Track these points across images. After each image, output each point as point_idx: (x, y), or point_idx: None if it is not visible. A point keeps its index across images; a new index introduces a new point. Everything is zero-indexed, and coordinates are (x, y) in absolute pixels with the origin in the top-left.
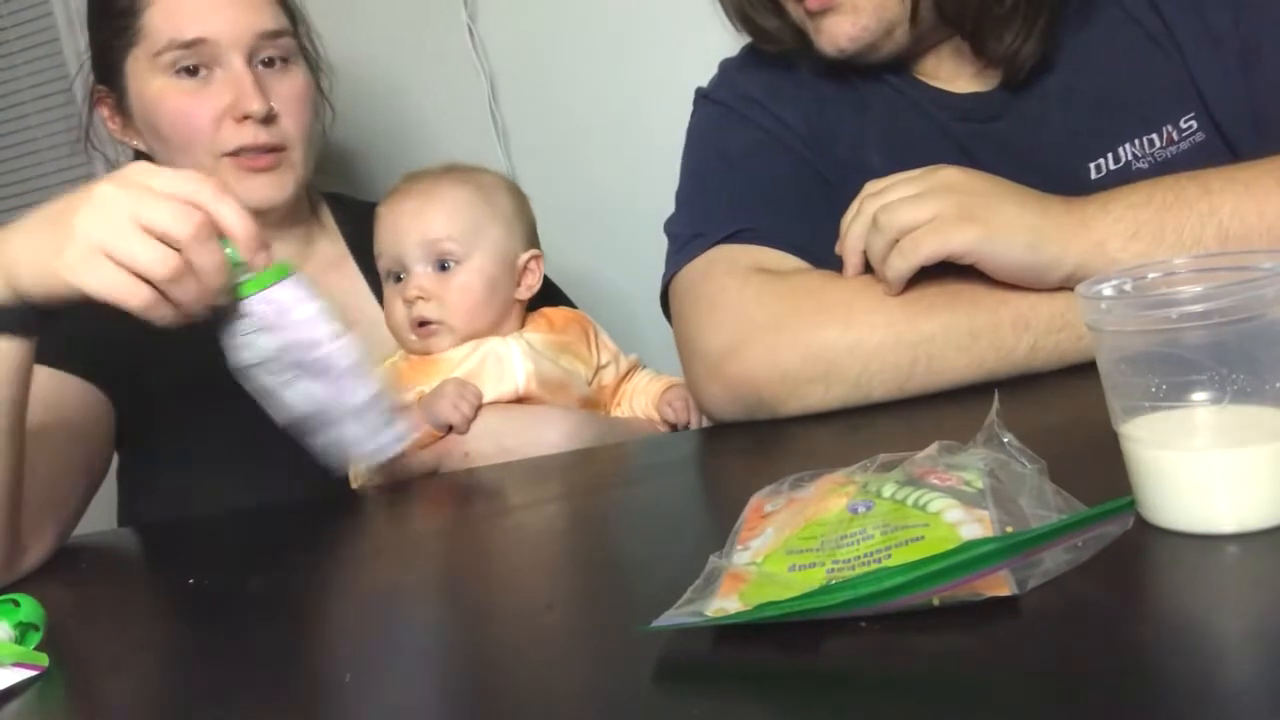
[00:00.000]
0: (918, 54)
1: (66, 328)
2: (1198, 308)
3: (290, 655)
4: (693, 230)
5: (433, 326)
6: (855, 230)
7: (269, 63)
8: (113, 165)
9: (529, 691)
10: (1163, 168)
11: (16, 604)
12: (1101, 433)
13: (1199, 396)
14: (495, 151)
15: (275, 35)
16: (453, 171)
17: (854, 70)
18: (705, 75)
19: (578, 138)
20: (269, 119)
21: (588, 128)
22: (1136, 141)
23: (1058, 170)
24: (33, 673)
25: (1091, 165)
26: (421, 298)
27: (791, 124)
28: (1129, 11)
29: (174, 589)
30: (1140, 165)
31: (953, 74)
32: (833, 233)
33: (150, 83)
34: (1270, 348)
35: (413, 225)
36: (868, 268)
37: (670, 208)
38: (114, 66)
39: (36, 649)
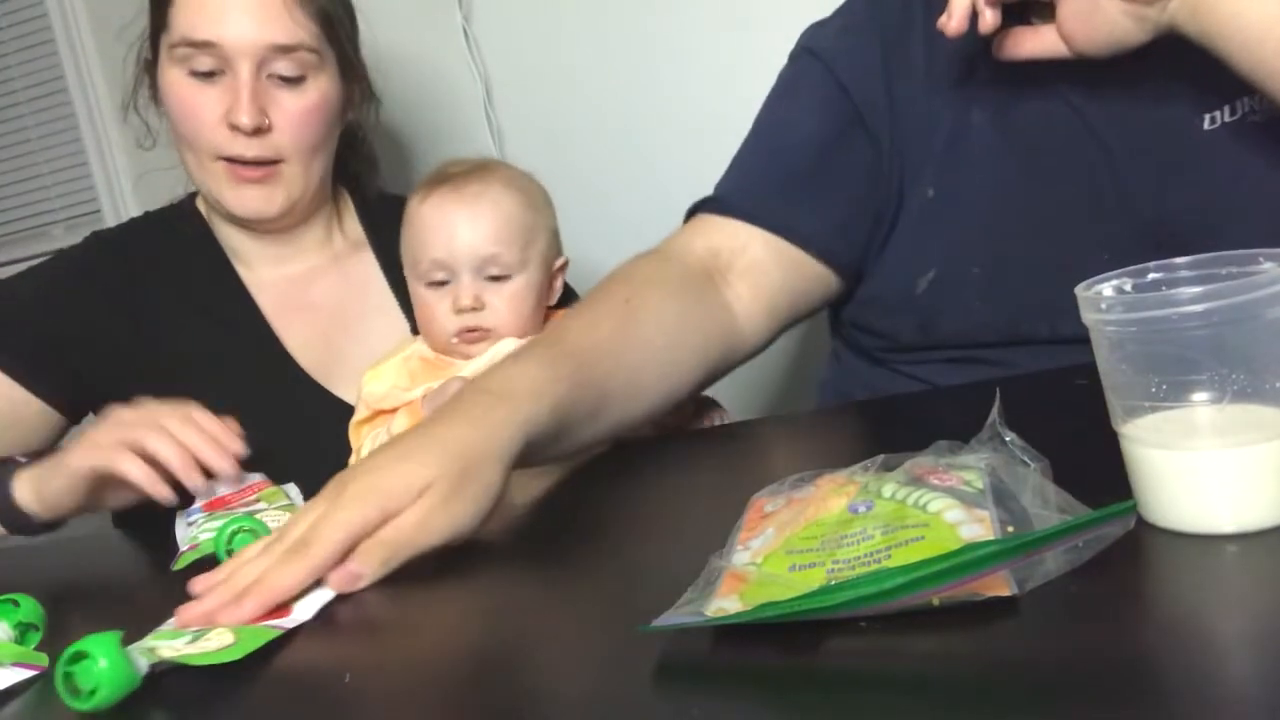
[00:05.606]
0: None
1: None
2: (1198, 308)
3: (291, 655)
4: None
5: (480, 333)
6: None
7: (286, 77)
8: (154, 136)
9: (529, 691)
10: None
11: (16, 604)
12: (1101, 433)
13: (1199, 396)
14: (490, 153)
15: (288, 50)
16: (495, 172)
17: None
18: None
19: (572, 140)
20: (259, 131)
21: (582, 130)
22: (1256, 95)
23: (1169, 122)
24: (33, 673)
25: (1206, 116)
26: (476, 308)
27: (876, 102)
28: None
29: (174, 589)
30: (1255, 119)
31: None
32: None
33: (168, 70)
34: (1270, 348)
35: (466, 234)
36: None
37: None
38: (155, 43)
39: (36, 649)
